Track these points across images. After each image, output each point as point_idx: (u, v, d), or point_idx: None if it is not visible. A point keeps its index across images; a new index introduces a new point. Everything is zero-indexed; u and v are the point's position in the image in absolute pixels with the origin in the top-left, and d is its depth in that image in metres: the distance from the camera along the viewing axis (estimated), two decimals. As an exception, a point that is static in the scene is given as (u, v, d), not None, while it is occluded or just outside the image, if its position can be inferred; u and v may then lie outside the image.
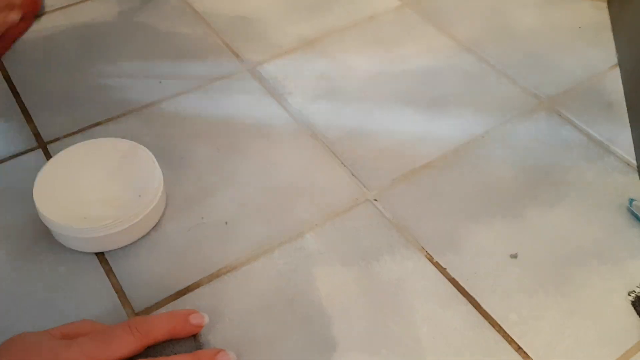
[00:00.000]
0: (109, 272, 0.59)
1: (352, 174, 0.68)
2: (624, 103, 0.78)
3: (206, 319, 0.53)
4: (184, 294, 0.57)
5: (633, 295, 0.56)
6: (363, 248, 0.61)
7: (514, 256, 0.60)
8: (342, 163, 0.70)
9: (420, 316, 0.55)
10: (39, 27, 0.88)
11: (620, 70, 0.83)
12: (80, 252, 0.60)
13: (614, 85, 0.81)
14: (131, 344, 0.47)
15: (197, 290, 0.58)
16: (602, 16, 0.93)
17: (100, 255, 0.60)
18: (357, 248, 0.61)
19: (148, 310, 0.56)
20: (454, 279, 0.58)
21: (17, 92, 0.79)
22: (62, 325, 0.49)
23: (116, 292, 0.57)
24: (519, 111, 0.77)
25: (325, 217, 0.64)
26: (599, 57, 0.85)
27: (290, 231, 0.62)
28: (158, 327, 0.50)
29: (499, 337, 0.54)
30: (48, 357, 0.45)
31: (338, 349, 0.53)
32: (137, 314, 0.55)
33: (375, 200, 0.65)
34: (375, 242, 0.61)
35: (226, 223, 0.63)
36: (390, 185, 0.67)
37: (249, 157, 0.70)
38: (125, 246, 0.61)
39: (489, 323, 0.55)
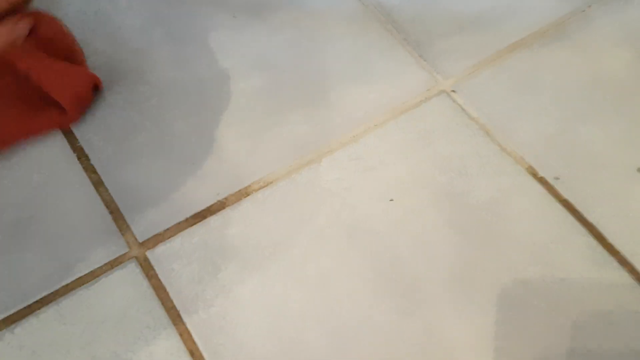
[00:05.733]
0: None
1: (421, 57, 0.51)
2: None
3: None
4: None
5: None
6: (441, 158, 0.45)
7: (649, 169, 0.44)
8: (407, 42, 0.51)
9: (525, 250, 0.41)
10: None
11: None
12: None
13: None
14: None
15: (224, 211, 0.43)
16: None
17: (87, 167, 0.46)
18: (432, 158, 0.45)
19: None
20: (566, 200, 0.43)
21: None
22: None
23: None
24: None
25: (387, 115, 0.47)
26: None
27: (343, 133, 0.46)
28: None
29: (627, 277, 0.40)
30: None
31: (416, 303, 0.39)
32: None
33: (453, 91, 0.48)
34: (457, 149, 0.45)
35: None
36: (471, 72, 0.50)
37: (282, 31, 0.52)
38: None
39: (617, 261, 0.41)
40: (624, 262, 0.40)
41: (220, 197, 0.44)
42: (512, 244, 0.41)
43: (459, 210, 0.42)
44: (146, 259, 0.41)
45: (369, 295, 0.39)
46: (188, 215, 0.43)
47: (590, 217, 0.42)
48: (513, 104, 0.47)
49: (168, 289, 0.40)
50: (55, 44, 0.45)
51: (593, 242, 0.41)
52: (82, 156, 0.45)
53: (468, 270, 0.40)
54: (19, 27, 0.36)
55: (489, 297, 0.39)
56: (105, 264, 0.40)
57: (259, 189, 0.44)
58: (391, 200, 0.43)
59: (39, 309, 0.39)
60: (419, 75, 0.49)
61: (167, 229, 0.42)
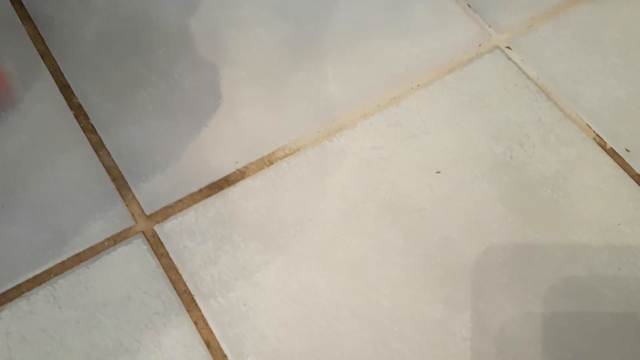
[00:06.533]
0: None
1: (470, 7, 0.44)
2: None
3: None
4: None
5: None
6: (495, 124, 0.39)
7: None
8: (452, -11, 0.45)
9: (593, 232, 0.35)
10: None
11: None
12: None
13: None
14: None
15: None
16: None
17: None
18: (485, 125, 0.39)
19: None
20: (639, 175, 0.37)
21: None
22: None
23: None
24: None
25: (432, 73, 0.41)
26: None
27: (380, 94, 0.40)
28: None
29: None
30: None
31: (466, 292, 0.34)
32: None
33: (508, 47, 0.42)
34: (514, 114, 0.39)
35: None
36: (528, 26, 0.43)
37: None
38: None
39: (702, 247, 0.35)
40: None
41: (239, 166, 0.38)
42: (577, 224, 0.35)
43: (517, 185, 0.36)
44: (155, 235, 0.35)
45: (412, 282, 0.34)
46: (202, 185, 0.37)
47: (670, 197, 0.36)
48: (577, 64, 0.41)
49: (180, 269, 0.34)
50: None
51: (673, 225, 0.35)
52: (80, 114, 0.39)
53: (527, 254, 0.35)
54: None
55: (551, 286, 0.34)
56: (107, 239, 0.35)
57: (284, 157, 0.38)
58: (437, 172, 0.37)
59: (29, 289, 0.33)
60: (469, 28, 0.42)
61: (179, 201, 0.36)
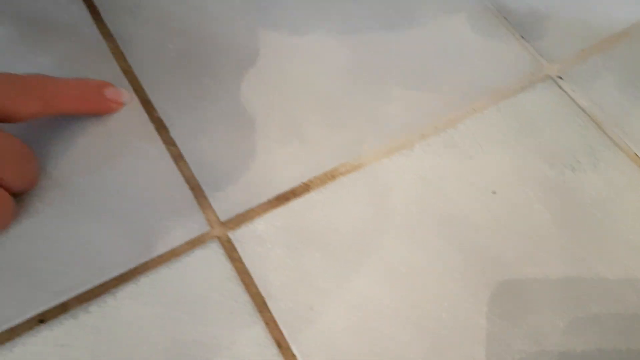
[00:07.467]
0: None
1: (523, 38, 0.46)
2: None
3: (126, 96, 0.43)
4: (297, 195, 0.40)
5: None
6: (548, 149, 0.41)
7: None
8: (507, 22, 0.47)
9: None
10: None
11: None
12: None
13: None
14: (32, 107, 0.35)
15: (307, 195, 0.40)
16: None
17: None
18: (539, 149, 0.41)
19: (236, 222, 0.39)
20: (688, 203, 0.39)
21: None
22: None
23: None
24: None
25: (487, 99, 0.43)
26: None
27: (437, 117, 0.43)
28: (66, 95, 0.38)
29: None
30: None
31: (522, 308, 0.36)
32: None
33: (560, 77, 0.44)
34: (566, 140, 0.41)
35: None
36: (579, 57, 0.45)
37: (371, 3, 0.48)
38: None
39: None
40: None
41: (304, 180, 0.41)
42: (628, 249, 0.37)
43: (570, 209, 0.39)
44: (229, 240, 0.38)
45: (469, 297, 0.36)
46: (271, 196, 0.40)
47: None
48: (625, 95, 0.43)
49: (252, 273, 0.37)
50: None
51: None
52: (160, 127, 0.42)
53: (578, 275, 0.37)
54: None
55: (602, 306, 0.36)
56: (186, 243, 0.38)
57: (346, 172, 0.41)
58: (493, 192, 0.39)
59: (115, 287, 0.36)
60: (522, 57, 0.45)
61: (250, 210, 0.39)
